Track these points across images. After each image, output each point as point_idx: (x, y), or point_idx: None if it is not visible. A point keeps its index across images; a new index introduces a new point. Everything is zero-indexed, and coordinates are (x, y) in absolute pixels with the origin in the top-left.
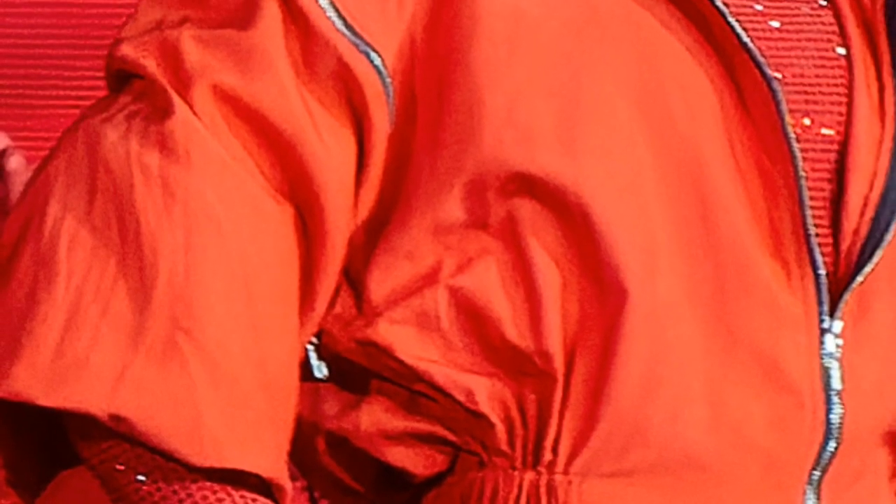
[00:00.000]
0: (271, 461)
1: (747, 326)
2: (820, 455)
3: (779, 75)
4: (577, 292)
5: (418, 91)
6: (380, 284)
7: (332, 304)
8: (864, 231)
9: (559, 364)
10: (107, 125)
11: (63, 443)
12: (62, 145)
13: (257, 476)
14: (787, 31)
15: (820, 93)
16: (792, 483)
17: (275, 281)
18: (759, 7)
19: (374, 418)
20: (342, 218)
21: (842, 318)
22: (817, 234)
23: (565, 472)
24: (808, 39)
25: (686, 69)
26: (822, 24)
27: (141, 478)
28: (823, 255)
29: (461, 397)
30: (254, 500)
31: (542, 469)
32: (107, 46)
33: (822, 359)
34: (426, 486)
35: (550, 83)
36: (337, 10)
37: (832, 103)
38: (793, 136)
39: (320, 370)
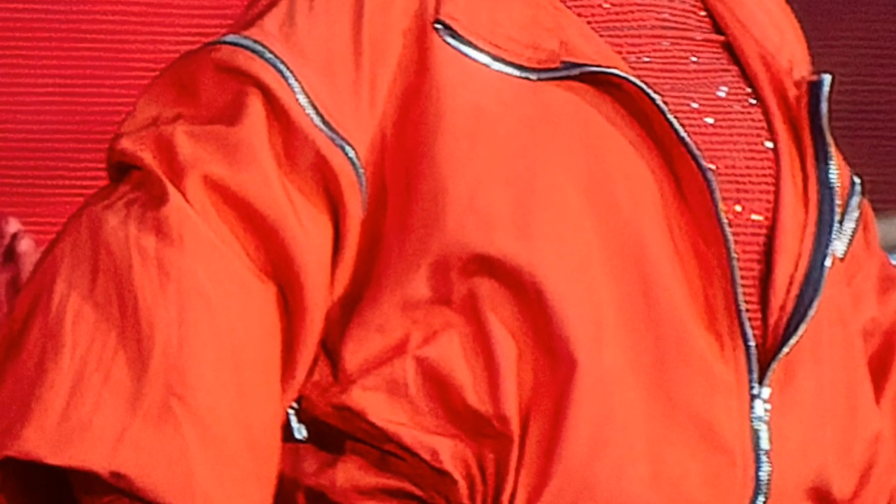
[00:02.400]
0: None
1: (685, 392)
2: None
3: (713, 166)
4: (531, 362)
5: (388, 180)
6: (354, 355)
7: (310, 373)
8: (789, 307)
9: (515, 426)
10: (108, 211)
11: (68, 497)
12: (68, 229)
13: None
14: (721, 127)
15: (750, 182)
16: None
17: (259, 352)
18: (695, 105)
19: (348, 475)
20: (320, 295)
21: (769, 385)
22: (748, 310)
23: None
24: (740, 134)
25: (630, 161)
26: (752, 120)
27: None
28: (753, 328)
29: (427, 456)
30: None
31: None
32: (108, 141)
33: (751, 422)
34: None
35: (508, 173)
36: (315, 108)
37: (761, 192)
38: (725, 221)
39: (300, 432)
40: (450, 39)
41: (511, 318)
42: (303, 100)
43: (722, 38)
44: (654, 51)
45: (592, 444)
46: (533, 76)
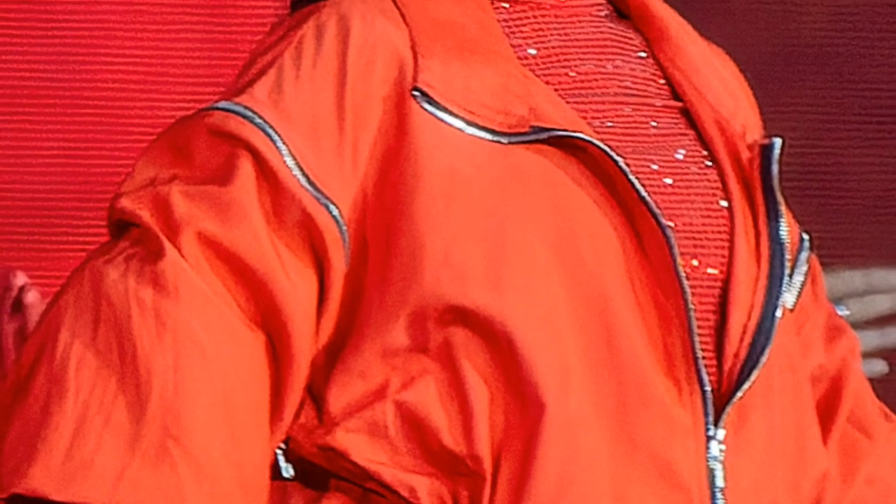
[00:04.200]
0: None
1: (645, 434)
2: None
3: (671, 224)
4: (502, 405)
5: (369, 237)
6: (337, 399)
7: (297, 415)
8: (743, 354)
9: (488, 465)
10: (109, 266)
11: None
12: (71, 282)
13: None
14: (679, 187)
15: (706, 238)
16: None
17: (250, 396)
18: (655, 167)
19: None
20: (306, 343)
21: (724, 428)
22: (704, 357)
23: None
24: (697, 194)
25: (594, 219)
26: (708, 181)
27: None
28: (709, 374)
29: (405, 493)
30: None
31: None
32: (108, 200)
33: (707, 461)
34: None
35: (481, 231)
36: (301, 169)
37: (716, 247)
38: (683, 275)
39: (287, 470)
40: (427, 105)
41: (484, 365)
42: (290, 162)
43: (680, 104)
44: (617, 116)
45: (559, 483)
46: (504, 140)
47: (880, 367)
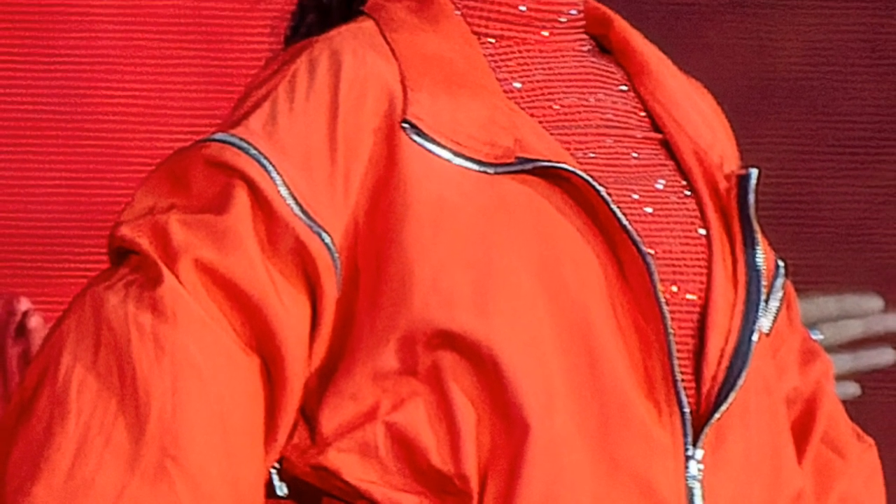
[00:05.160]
0: None
1: (626, 454)
2: None
3: (652, 251)
4: (488, 426)
5: (361, 264)
6: (329, 420)
7: (291, 436)
8: (720, 377)
9: (474, 484)
10: (109, 292)
11: None
12: (73, 308)
13: None
14: (659, 216)
15: (685, 265)
16: None
17: (245, 417)
18: (635, 196)
19: None
20: (299, 367)
21: (703, 448)
22: (683, 380)
23: None
24: (676, 222)
25: (577, 246)
26: (687, 210)
27: None
28: (688, 396)
29: None
30: None
31: None
32: (109, 228)
33: (686, 480)
34: None
35: (468, 258)
36: (295, 199)
37: (695, 274)
38: (663, 300)
39: (281, 489)
40: (415, 137)
41: (471, 387)
42: (284, 191)
43: (660, 136)
44: (599, 147)
45: (544, 500)
46: (490, 170)
47: (853, 389)
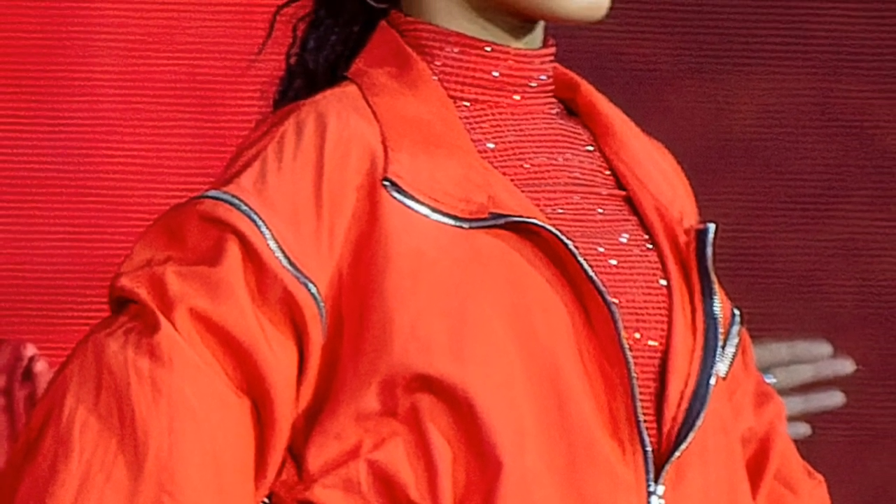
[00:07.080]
0: None
1: (593, 490)
2: None
3: (616, 300)
4: (464, 464)
5: (344, 312)
6: (315, 458)
7: (279, 473)
8: (680, 418)
9: None
10: (110, 338)
11: None
12: (76, 353)
13: None
14: (623, 268)
15: (647, 314)
16: None
17: (237, 456)
18: (601, 249)
19: None
20: (287, 408)
21: (664, 484)
22: (645, 420)
23: None
24: (639, 273)
25: (547, 296)
26: (649, 262)
27: None
28: (650, 436)
29: None
30: None
31: None
32: (109, 279)
33: None
34: None
35: (444, 307)
36: (283, 252)
37: (657, 322)
38: (627, 346)
39: None
40: (396, 194)
41: (447, 428)
42: (273, 245)
43: (624, 193)
44: (567, 204)
45: None
46: (466, 225)
47: (804, 429)
